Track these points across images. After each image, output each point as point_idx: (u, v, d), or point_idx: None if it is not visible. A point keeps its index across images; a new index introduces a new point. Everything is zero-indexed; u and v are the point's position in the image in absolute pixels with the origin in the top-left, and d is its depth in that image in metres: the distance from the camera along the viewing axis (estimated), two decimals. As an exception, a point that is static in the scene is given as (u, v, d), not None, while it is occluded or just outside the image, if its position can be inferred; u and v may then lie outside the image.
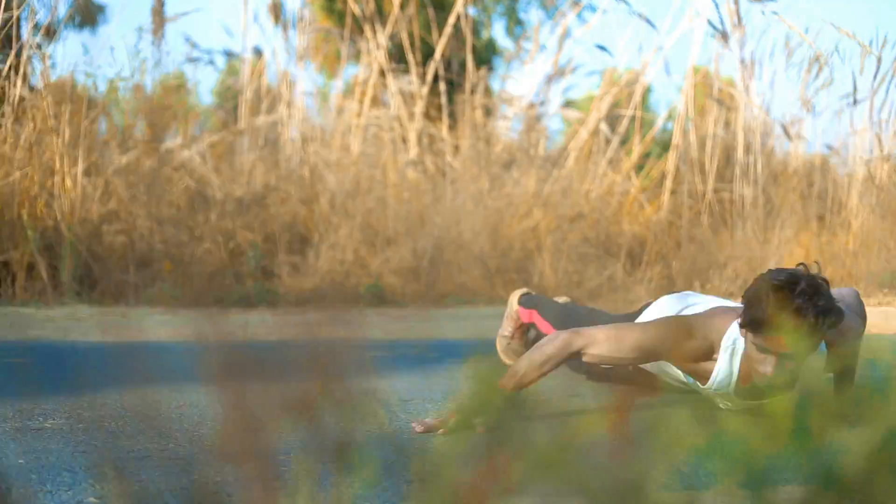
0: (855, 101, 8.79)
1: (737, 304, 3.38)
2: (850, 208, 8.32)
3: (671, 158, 8.71)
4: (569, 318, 4.10)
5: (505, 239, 7.77)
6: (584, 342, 3.22)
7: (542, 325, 4.29)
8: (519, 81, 9.88)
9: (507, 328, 4.53)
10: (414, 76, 8.78)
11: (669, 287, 7.66)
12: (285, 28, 9.12)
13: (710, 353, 3.27)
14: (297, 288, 7.31)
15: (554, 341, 3.26)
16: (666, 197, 8.25)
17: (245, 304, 7.06)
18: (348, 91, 9.64)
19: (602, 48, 9.68)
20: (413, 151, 8.59)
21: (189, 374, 1.96)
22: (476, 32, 9.76)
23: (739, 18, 8.68)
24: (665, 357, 3.33)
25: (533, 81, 9.50)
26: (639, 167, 8.94)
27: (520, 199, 8.21)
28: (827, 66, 8.86)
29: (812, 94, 8.82)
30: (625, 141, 9.12)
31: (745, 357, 3.20)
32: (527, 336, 4.43)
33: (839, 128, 9.48)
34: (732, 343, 3.24)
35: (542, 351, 3.24)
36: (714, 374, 3.30)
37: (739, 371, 3.28)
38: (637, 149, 8.93)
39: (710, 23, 8.85)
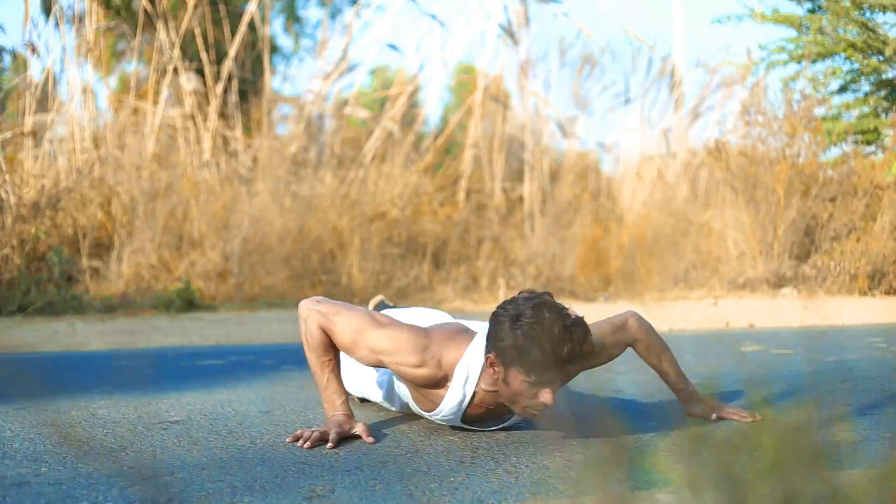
0: (627, 101, 9.51)
1: (470, 324, 3.32)
2: (624, 204, 8.98)
3: (465, 158, 9.05)
4: None
5: (309, 240, 7.91)
6: (326, 325, 3.16)
7: None
8: (301, 80, 10.01)
9: None
10: (207, 75, 8.72)
11: (475, 286, 8.05)
12: (60, 23, 8.83)
13: (442, 383, 3.16)
14: (103, 294, 7.23)
15: (301, 324, 3.22)
16: (462, 197, 8.59)
17: (50, 311, 6.93)
18: (124, 89, 9.45)
19: (393, 47, 9.91)
20: (208, 152, 8.55)
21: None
22: (254, 29, 9.73)
23: (527, 20, 9.15)
24: (394, 370, 3.19)
25: (317, 80, 9.62)
26: (437, 166, 9.21)
27: (318, 200, 8.34)
28: (599, 66, 9.43)
29: (587, 94, 9.38)
30: (420, 140, 9.40)
31: (490, 386, 3.09)
32: None
33: (612, 126, 10.23)
34: (466, 372, 3.13)
35: (303, 339, 3.22)
36: (444, 403, 3.18)
37: (472, 399, 3.18)
38: (432, 148, 9.23)
39: (500, 25, 9.23)
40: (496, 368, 2.99)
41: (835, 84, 14.03)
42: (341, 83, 9.92)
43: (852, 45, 13.17)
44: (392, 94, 9.11)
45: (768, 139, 9.92)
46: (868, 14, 13.47)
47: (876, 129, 12.94)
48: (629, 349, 3.35)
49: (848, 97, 13.82)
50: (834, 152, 11.19)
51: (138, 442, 3.06)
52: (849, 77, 13.94)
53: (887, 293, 9.02)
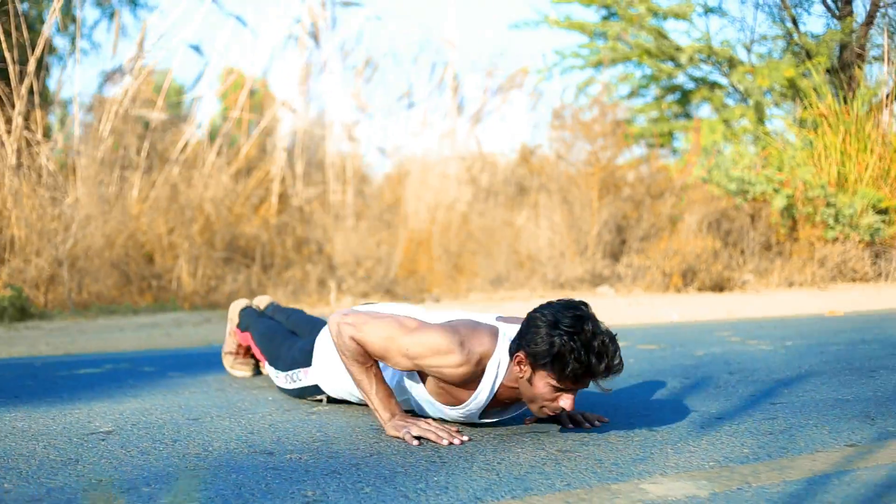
0: (411, 105, 9.65)
1: (485, 320, 3.34)
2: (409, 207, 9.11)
3: (276, 161, 8.98)
4: (268, 338, 4.17)
5: (133, 245, 7.66)
6: (358, 338, 3.18)
7: (254, 348, 4.31)
8: (87, 81, 9.62)
9: (229, 344, 4.54)
10: (12, 75, 8.27)
11: (304, 290, 7.98)
12: None
13: (476, 378, 3.21)
14: (-77, 303, 6.77)
15: (336, 341, 3.23)
16: (274, 200, 8.48)
17: None
18: None
19: (196, 49, 9.71)
20: (12, 157, 8.10)
21: None
22: (29, 27, 9.27)
23: (332, 22, 9.14)
24: (432, 373, 3.20)
25: (111, 81, 9.28)
26: (250, 170, 9.10)
27: (134, 203, 8.10)
28: (382, 70, 9.51)
29: (368, 97, 9.44)
30: (233, 143, 9.25)
31: (512, 382, 3.19)
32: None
33: (395, 129, 10.37)
34: (496, 369, 3.20)
35: (339, 353, 3.25)
36: (473, 398, 3.24)
37: (494, 396, 3.27)
38: (244, 151, 9.10)
39: (310, 35, 9.18)
40: (523, 368, 3.10)
41: (625, 89, 14.73)
42: (134, 84, 9.51)
43: (647, 52, 13.85)
44: (197, 97, 8.88)
45: (576, 143, 10.28)
46: (661, 21, 14.19)
47: (669, 133, 13.64)
48: None
49: (637, 102, 14.51)
50: (631, 155, 11.71)
51: (85, 454, 2.95)
52: (643, 82, 14.65)
53: (700, 290, 9.52)
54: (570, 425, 3.43)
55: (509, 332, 3.26)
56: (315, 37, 9.59)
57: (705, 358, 5.16)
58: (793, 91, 13.35)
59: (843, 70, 13.44)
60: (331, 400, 3.84)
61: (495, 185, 10.80)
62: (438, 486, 2.61)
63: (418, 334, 3.17)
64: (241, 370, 4.51)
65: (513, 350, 3.14)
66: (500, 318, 3.36)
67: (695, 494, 2.53)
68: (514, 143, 11.70)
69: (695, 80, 14.60)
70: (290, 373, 3.85)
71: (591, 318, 3.05)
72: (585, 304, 3.11)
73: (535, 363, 3.03)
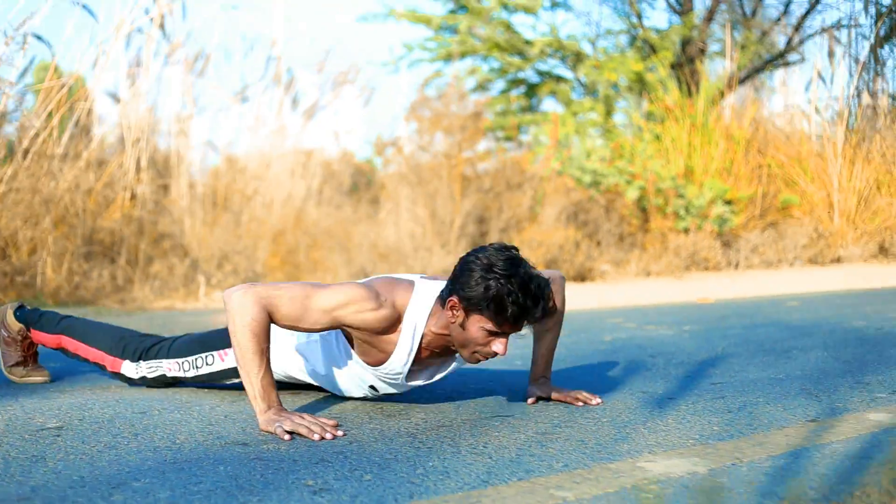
0: (244, 99, 9.53)
1: (400, 275, 3.33)
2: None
3: (130, 156, 8.69)
4: (110, 331, 3.86)
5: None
6: (268, 303, 3.01)
7: (78, 346, 3.84)
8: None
9: (10, 356, 3.96)
10: None
11: (172, 285, 7.77)
12: None
13: (395, 325, 3.17)
14: None
15: (238, 308, 3.00)
16: (127, 195, 8.17)
17: None
18: None
19: (39, 38, 9.28)
20: None
21: None
22: None
23: (182, 13, 8.88)
24: (351, 323, 3.09)
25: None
26: (101, 163, 8.75)
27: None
28: (213, 64, 9.31)
29: (200, 92, 9.23)
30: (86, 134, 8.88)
31: (441, 328, 3.16)
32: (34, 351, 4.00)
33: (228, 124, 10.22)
34: (414, 318, 3.18)
35: (232, 325, 3.01)
36: (395, 353, 3.20)
37: (421, 349, 3.25)
38: (94, 144, 8.75)
39: (161, 29, 8.90)
40: (456, 312, 3.08)
41: (471, 82, 14.87)
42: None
43: (497, 46, 14.01)
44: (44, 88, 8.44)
45: (436, 135, 10.31)
46: (509, 15, 14.37)
47: (518, 126, 13.82)
48: None
49: (480, 96, 14.65)
50: (486, 147, 11.80)
51: (49, 451, 2.76)
52: (491, 76, 14.81)
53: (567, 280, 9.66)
54: (531, 400, 3.50)
55: (427, 284, 3.25)
56: (161, 27, 9.30)
57: (617, 343, 5.24)
58: (639, 85, 13.74)
59: (687, 65, 13.91)
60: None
61: (342, 181, 10.76)
62: (437, 472, 2.56)
63: (333, 289, 3.12)
64: (39, 376, 3.96)
65: (445, 295, 3.13)
66: (423, 277, 3.35)
67: (694, 471, 2.56)
68: (353, 138, 11.67)
69: (541, 73, 14.86)
70: (190, 358, 3.66)
71: (524, 262, 3.07)
72: (517, 249, 3.14)
73: (470, 307, 3.02)
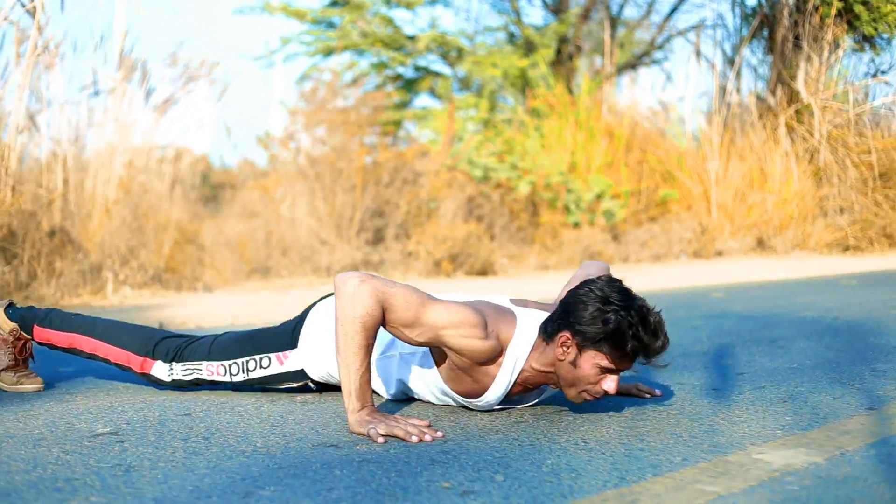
0: (97, 93, 9.18)
1: (505, 303, 3.19)
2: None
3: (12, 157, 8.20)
4: (138, 330, 3.59)
5: None
6: (384, 299, 2.85)
7: (101, 346, 3.52)
8: None
9: (0, 361, 3.61)
10: None
11: (95, 281, 7.42)
12: None
13: (495, 359, 3.02)
14: None
15: (352, 296, 2.82)
16: (9, 192, 7.66)
17: None
18: None
19: None
20: None
21: None
22: None
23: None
24: (454, 346, 2.94)
25: None
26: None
27: None
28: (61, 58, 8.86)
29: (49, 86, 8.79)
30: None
31: (545, 366, 3.02)
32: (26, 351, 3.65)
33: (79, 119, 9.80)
34: (516, 352, 3.04)
35: (344, 313, 2.83)
36: (495, 383, 3.06)
37: (516, 382, 3.10)
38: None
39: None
40: (567, 349, 2.94)
41: (349, 76, 14.70)
42: None
43: (380, 40, 13.89)
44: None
45: (326, 130, 10.16)
46: (389, 10, 14.27)
47: (399, 122, 13.74)
48: None
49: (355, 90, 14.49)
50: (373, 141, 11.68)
51: (130, 459, 2.56)
52: (368, 71, 14.67)
53: (468, 274, 9.66)
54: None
55: (527, 315, 3.11)
56: (33, 16, 8.81)
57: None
58: (522, 81, 13.84)
59: (565, 62, 14.09)
60: (295, 389, 3.51)
61: (194, 178, 10.46)
62: (565, 470, 2.48)
63: (446, 306, 2.94)
64: (32, 383, 3.59)
65: (552, 330, 2.98)
66: (512, 301, 3.22)
67: (813, 461, 2.54)
68: (207, 133, 11.35)
69: (419, 69, 14.81)
70: (240, 361, 3.42)
71: (636, 295, 2.97)
72: (622, 281, 3.02)
73: (584, 343, 2.90)
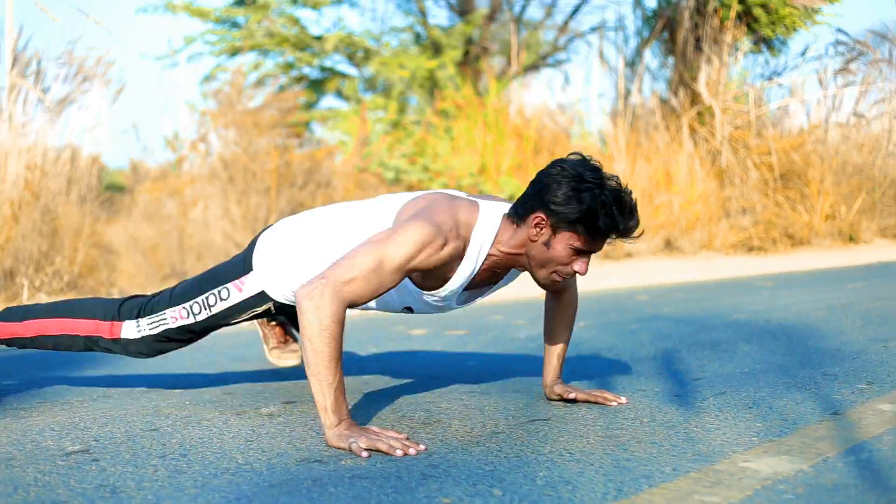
0: None
1: (454, 192, 3.18)
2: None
3: None
4: (92, 301, 3.53)
5: None
6: (347, 295, 2.77)
7: (74, 325, 3.43)
8: None
9: None
10: None
11: (9, 287, 7.20)
12: None
13: (461, 253, 2.98)
14: None
15: (315, 310, 2.72)
16: None
17: None
18: None
19: None
20: None
21: None
22: None
23: None
24: (424, 267, 2.88)
25: None
26: None
27: None
28: None
29: None
30: None
31: (514, 247, 3.01)
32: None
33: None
34: (481, 239, 3.00)
35: (310, 329, 2.73)
36: (453, 278, 3.03)
37: (480, 270, 3.08)
38: None
39: None
40: (541, 230, 2.96)
41: (254, 77, 14.54)
42: None
43: (286, 40, 13.74)
44: None
45: (248, 132, 10.01)
46: (294, 9, 14.13)
47: (306, 123, 13.63)
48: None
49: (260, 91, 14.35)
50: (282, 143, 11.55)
51: (118, 482, 2.47)
52: (274, 71, 14.52)
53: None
54: (572, 396, 3.39)
55: (490, 204, 3.11)
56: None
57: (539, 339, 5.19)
58: (430, 83, 13.83)
59: (472, 63, 14.12)
60: (259, 315, 3.41)
61: (91, 180, 10.20)
62: (559, 483, 2.45)
63: (396, 240, 2.84)
64: None
65: (524, 212, 2.98)
66: (479, 197, 3.23)
67: (798, 468, 2.56)
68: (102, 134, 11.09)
69: (324, 70, 14.69)
70: (199, 299, 3.33)
71: (610, 174, 2.95)
72: (592, 158, 3.00)
73: (558, 223, 2.90)
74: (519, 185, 11.78)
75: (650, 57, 15.21)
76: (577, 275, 3.03)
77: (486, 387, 3.85)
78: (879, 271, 10.19)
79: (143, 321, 3.40)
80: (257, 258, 3.29)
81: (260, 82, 14.77)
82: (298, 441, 2.91)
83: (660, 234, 12.71)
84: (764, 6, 14.61)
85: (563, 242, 2.94)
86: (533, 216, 2.95)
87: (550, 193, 2.91)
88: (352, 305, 2.84)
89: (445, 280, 3.07)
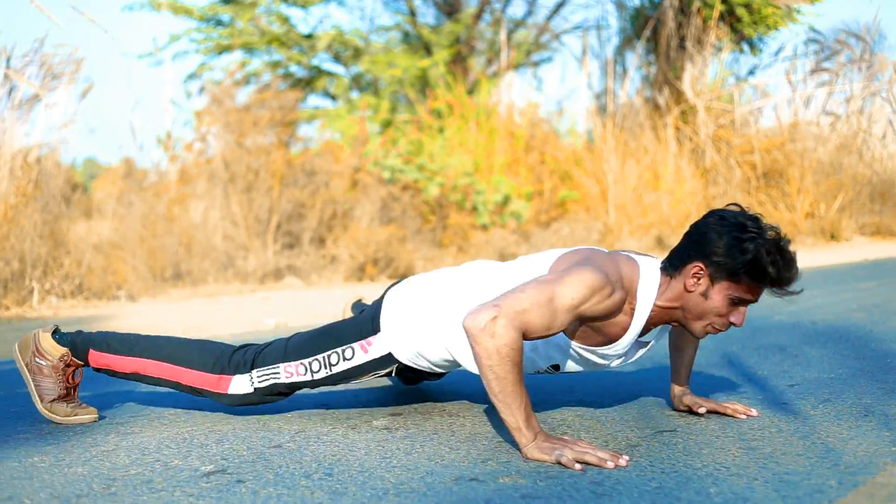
0: None
1: (601, 250, 3.12)
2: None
3: None
4: (200, 344, 3.40)
5: None
6: (521, 324, 2.71)
7: (175, 372, 3.32)
8: None
9: (50, 391, 3.32)
10: None
11: (20, 290, 7.02)
12: None
13: (623, 304, 2.95)
14: None
15: (492, 338, 2.67)
16: None
17: None
18: None
19: None
20: None
21: None
22: None
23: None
24: (592, 314, 2.86)
25: None
26: None
27: None
28: None
29: None
30: None
31: (670, 301, 2.99)
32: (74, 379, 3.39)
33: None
34: (645, 296, 2.98)
35: (490, 358, 2.68)
36: (627, 334, 3.01)
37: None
38: None
39: None
40: (699, 280, 2.93)
41: (239, 76, 14.36)
42: None
43: (276, 39, 13.59)
44: None
45: (247, 132, 9.88)
46: (281, 7, 13.97)
47: (294, 122, 13.49)
48: None
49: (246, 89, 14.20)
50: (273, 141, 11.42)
51: (260, 500, 2.38)
52: (261, 70, 14.36)
53: (391, 278, 9.52)
54: (703, 410, 3.33)
55: (645, 258, 3.10)
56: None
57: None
58: (421, 82, 13.74)
59: (461, 62, 14.05)
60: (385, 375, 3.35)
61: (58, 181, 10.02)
62: (732, 498, 2.40)
63: (569, 282, 2.81)
64: (87, 414, 3.35)
65: (680, 263, 2.96)
66: (625, 252, 3.20)
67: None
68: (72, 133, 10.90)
69: (311, 68, 14.54)
70: (320, 356, 3.25)
71: (769, 224, 2.92)
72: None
73: (718, 273, 2.88)
74: (512, 185, 11.73)
75: (635, 56, 15.24)
76: (735, 326, 2.99)
77: (586, 396, 3.80)
78: (882, 270, 10.27)
79: (255, 374, 3.30)
80: (386, 318, 3.22)
81: (244, 80, 14.64)
82: (435, 457, 2.83)
83: (650, 233, 12.72)
84: (747, 6, 14.68)
85: (722, 293, 2.92)
86: (691, 266, 2.93)
87: (711, 244, 2.89)
88: (525, 337, 2.77)
89: (610, 337, 3.04)
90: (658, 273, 3.03)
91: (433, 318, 3.15)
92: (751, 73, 16.85)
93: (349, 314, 4.15)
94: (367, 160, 10.50)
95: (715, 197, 14.10)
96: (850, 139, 16.84)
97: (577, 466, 2.65)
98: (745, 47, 15.77)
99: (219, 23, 13.86)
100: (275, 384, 3.29)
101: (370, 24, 14.90)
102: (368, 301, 4.13)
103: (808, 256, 12.68)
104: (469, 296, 3.09)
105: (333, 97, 14.50)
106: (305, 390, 3.55)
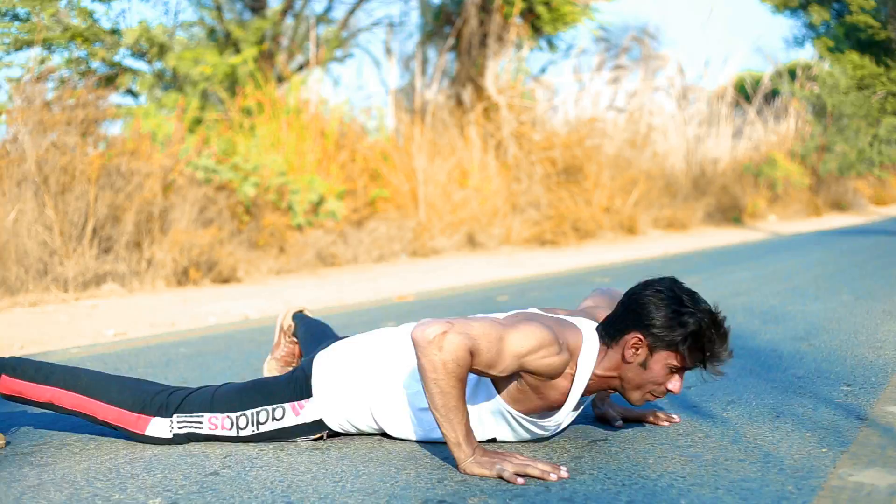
0: None
1: (564, 316, 3.16)
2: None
3: None
4: (134, 384, 3.24)
5: None
6: (472, 345, 2.74)
7: (92, 406, 3.17)
8: None
9: None
10: None
11: None
12: None
13: (565, 368, 2.95)
14: None
15: (439, 351, 2.70)
16: None
17: None
18: None
19: None
20: None
21: None
22: None
23: None
24: (534, 369, 2.86)
25: None
26: None
27: None
28: None
29: None
30: None
31: (608, 370, 3.00)
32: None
33: None
34: (586, 363, 2.99)
35: (435, 372, 2.70)
36: (567, 402, 3.01)
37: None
38: None
39: None
40: (637, 350, 2.94)
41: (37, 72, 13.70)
42: None
43: (79, 35, 13.01)
44: None
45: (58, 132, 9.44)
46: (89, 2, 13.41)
47: (95, 120, 12.99)
48: None
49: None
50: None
51: None
52: (66, 66, 13.72)
53: (215, 282, 9.29)
54: (619, 423, 3.38)
55: (586, 323, 3.10)
56: None
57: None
58: (230, 79, 13.44)
59: (270, 59, 13.82)
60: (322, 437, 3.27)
61: None
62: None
63: (521, 330, 2.84)
64: None
65: (617, 334, 2.97)
66: (546, 310, 3.20)
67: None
68: None
69: (113, 65, 13.99)
70: (248, 413, 3.14)
71: (700, 297, 2.98)
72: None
73: (657, 344, 2.90)
74: (326, 184, 11.62)
75: (437, 53, 15.37)
76: (672, 393, 3.02)
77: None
78: (702, 263, 10.70)
79: (176, 419, 3.17)
80: (317, 383, 3.16)
81: (45, 77, 13.97)
82: (387, 479, 2.80)
83: (461, 231, 12.88)
84: (547, 4, 15.03)
85: (661, 363, 2.95)
86: (630, 336, 2.95)
87: (649, 316, 2.92)
88: (470, 361, 2.77)
89: (550, 405, 3.03)
90: (598, 343, 3.04)
91: (359, 384, 3.13)
92: (542, 70, 17.29)
93: (289, 322, 4.02)
94: (182, 161, 10.18)
95: (517, 193, 14.38)
96: (636, 134, 17.52)
97: (520, 480, 2.68)
98: (544, 44, 16.16)
99: (16, 17, 13.19)
100: (194, 433, 3.17)
101: (174, 18, 14.48)
102: (309, 313, 4.08)
103: (611, 252, 13.11)
104: (392, 360, 3.12)
105: (136, 95, 14.03)
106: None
